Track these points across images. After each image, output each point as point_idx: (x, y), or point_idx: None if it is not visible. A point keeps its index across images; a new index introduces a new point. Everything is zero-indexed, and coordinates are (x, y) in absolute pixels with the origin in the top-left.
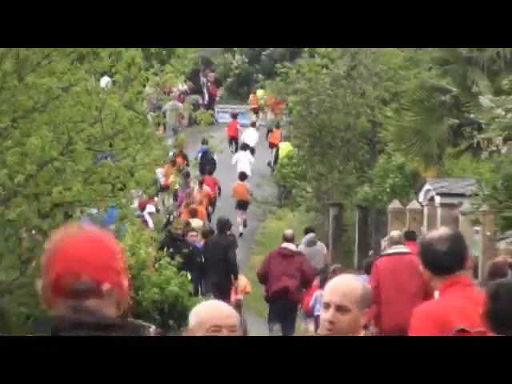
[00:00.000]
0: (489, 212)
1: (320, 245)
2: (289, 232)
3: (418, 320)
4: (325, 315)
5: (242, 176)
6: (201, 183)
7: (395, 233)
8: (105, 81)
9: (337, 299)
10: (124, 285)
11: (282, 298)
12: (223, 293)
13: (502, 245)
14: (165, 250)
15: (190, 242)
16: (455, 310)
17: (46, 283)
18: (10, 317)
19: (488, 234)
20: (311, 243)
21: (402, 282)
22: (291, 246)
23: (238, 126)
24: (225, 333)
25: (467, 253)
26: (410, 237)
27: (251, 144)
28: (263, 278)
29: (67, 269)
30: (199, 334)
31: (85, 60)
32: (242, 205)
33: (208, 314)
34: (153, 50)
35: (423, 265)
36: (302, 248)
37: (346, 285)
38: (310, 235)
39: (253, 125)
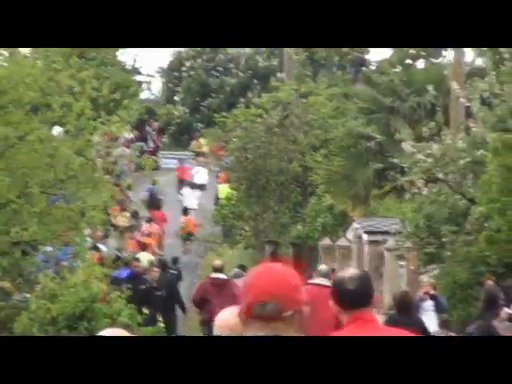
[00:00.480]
0: (412, 248)
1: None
2: (218, 262)
3: None
4: None
5: (185, 211)
6: (150, 219)
7: (324, 267)
8: (57, 130)
9: (226, 332)
10: (303, 312)
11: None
12: (170, 323)
13: (424, 278)
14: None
15: (152, 277)
16: None
17: (241, 308)
18: None
19: (412, 268)
20: (237, 276)
21: (318, 310)
22: (221, 275)
23: (186, 169)
24: None
25: (372, 292)
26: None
27: (200, 182)
28: (198, 304)
29: (256, 298)
30: None
31: (38, 111)
32: (188, 238)
33: None
34: (101, 101)
35: (333, 300)
36: None
37: (231, 317)
38: (236, 270)
39: (201, 165)
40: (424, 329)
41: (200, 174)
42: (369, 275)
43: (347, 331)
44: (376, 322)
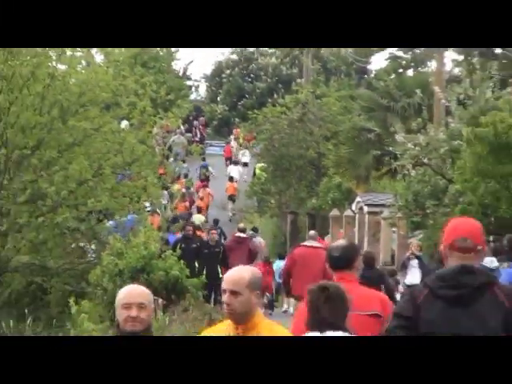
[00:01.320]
0: (402, 218)
1: (257, 239)
2: (242, 225)
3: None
4: (223, 299)
5: (230, 178)
6: (205, 186)
7: (312, 232)
8: (124, 123)
9: (230, 286)
10: (485, 250)
11: None
12: (215, 279)
13: (413, 241)
14: (178, 246)
15: (212, 238)
16: None
17: (445, 243)
18: (57, 292)
19: (402, 233)
20: (251, 237)
21: (309, 265)
22: (242, 235)
23: (230, 149)
24: (134, 309)
25: (354, 258)
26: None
27: (244, 160)
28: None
29: (459, 234)
30: (118, 310)
31: (110, 108)
32: (232, 198)
33: (121, 294)
34: (158, 101)
35: (327, 263)
36: None
37: (237, 274)
38: (250, 232)
39: (246, 147)
40: (385, 282)
41: (244, 155)
42: (354, 245)
43: None
44: (355, 282)
